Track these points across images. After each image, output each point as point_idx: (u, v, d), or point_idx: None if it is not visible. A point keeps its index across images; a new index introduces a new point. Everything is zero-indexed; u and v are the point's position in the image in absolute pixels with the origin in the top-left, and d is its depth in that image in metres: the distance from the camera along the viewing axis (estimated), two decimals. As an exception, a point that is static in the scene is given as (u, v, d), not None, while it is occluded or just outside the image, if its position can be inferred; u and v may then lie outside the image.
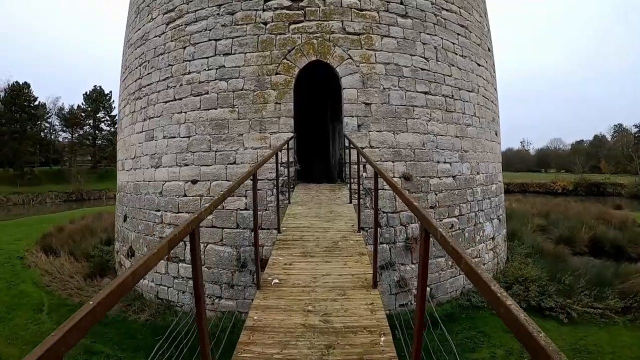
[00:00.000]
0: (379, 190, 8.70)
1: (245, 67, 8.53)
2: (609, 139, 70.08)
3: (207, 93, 8.90)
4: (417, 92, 8.88)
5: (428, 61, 9.23)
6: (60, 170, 51.62)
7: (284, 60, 8.35)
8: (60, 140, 59.12)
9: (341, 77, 8.28)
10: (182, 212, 9.30)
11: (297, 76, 8.31)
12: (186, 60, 9.40)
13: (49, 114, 57.22)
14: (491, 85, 11.79)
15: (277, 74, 8.30)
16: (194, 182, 9.09)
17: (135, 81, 11.10)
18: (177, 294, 9.53)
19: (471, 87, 10.37)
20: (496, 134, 12.08)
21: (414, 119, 8.75)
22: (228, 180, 8.54)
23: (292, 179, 8.23)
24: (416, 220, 8.65)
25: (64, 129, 58.35)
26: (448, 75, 9.63)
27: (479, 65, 10.92)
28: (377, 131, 8.33)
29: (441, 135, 9.26)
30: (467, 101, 10.12)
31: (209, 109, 8.84)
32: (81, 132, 58.07)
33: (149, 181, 10.20)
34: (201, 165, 8.96)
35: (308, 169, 12.33)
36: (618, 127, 69.57)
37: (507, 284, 10.11)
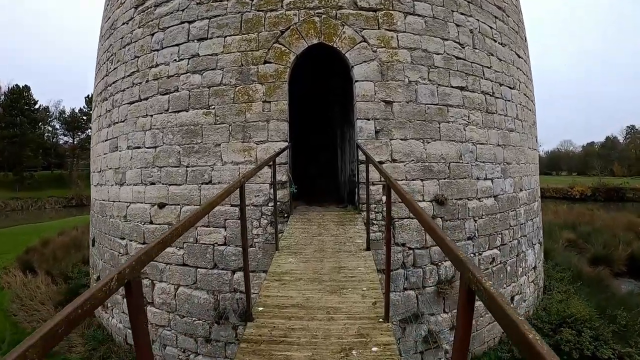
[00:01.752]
0: (404, 220, 6.30)
1: (224, 55, 6.15)
2: (621, 141, 66.45)
3: (177, 90, 6.54)
4: (452, 87, 6.44)
5: (463, 48, 6.80)
6: (60, 175, 48.94)
7: (276, 45, 5.95)
8: (62, 143, 56.76)
9: (353, 66, 5.86)
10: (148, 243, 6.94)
11: (293, 65, 5.90)
12: (154, 50, 7.04)
13: (51, 118, 55.01)
14: (530, 82, 9.32)
15: (266, 62, 5.91)
16: (161, 206, 6.71)
17: (102, 79, 8.78)
18: (147, 342, 7.11)
19: (512, 83, 7.92)
20: (536, 140, 9.62)
21: (448, 122, 6.31)
22: (200, 204, 6.17)
23: (285, 205, 5.82)
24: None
25: (66, 132, 55.96)
26: (487, 67, 7.20)
27: (518, 56, 8.47)
28: (401, 139, 5.90)
29: (481, 143, 6.82)
30: (508, 100, 7.67)
31: (178, 111, 6.47)
32: (83, 136, 55.51)
33: (114, 201, 7.87)
34: (169, 185, 6.58)
35: (311, 183, 9.97)
36: (630, 128, 66.11)
37: (552, 325, 7.74)
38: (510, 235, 7.61)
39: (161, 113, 6.71)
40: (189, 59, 6.47)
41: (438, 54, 6.39)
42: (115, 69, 8.08)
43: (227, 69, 6.06)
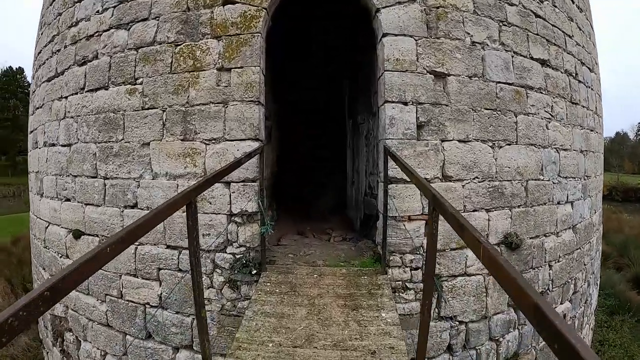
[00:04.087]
0: (457, 279, 3.36)
1: (162, -4, 3.33)
2: (631, 137, 60.84)
3: (96, 57, 3.71)
4: (532, 58, 3.60)
5: (542, 2, 3.95)
6: (55, 159, 44.96)
7: (245, -25, 3.11)
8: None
9: (379, 10, 2.98)
10: (68, 284, 4.20)
11: (273, 7, 3.08)
12: (76, 2, 4.21)
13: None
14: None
15: (226, 2, 3.07)
16: (77, 235, 3.93)
17: (34, 53, 6.00)
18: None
19: (591, 64, 5.07)
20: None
21: (527, 114, 3.49)
22: (126, 241, 3.43)
23: (256, 252, 2.98)
24: (516, 325, 3.55)
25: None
26: (569, 36, 4.34)
27: (592, 30, 5.63)
28: (459, 140, 3.06)
29: (565, 149, 3.99)
30: (589, 87, 4.83)
31: (96, 89, 3.65)
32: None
33: (36, 216, 5.14)
34: (85, 204, 3.79)
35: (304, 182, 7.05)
36: (643, 126, 61.17)
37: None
38: (583, 278, 4.85)
39: (76, 93, 3.90)
40: (114, 7, 3.62)
41: (512, 4, 3.52)
42: (41, 34, 5.28)
43: (164, 18, 3.22)
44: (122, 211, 3.43)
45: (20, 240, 12.64)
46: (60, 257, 4.31)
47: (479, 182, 3.13)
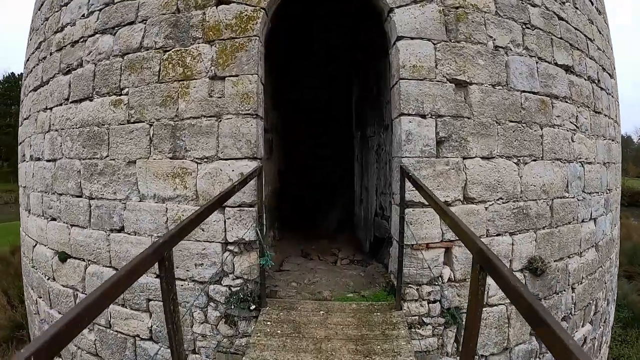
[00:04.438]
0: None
1: (150, -2, 2.96)
2: (635, 141, 59.05)
3: (81, 65, 3.33)
4: (557, 64, 3.23)
5: (564, 4, 3.57)
6: (58, 166, 43.97)
7: (241, -27, 2.75)
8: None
9: (392, 10, 2.57)
10: (54, 309, 3.86)
11: (273, 8, 2.70)
12: (62, 5, 3.85)
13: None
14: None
15: (220, 2, 2.70)
16: (63, 258, 3.54)
17: (24, 60, 5.65)
18: None
19: (611, 69, 4.69)
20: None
21: (553, 126, 3.10)
22: (111, 266, 3.03)
23: (254, 284, 2.60)
24: (537, 355, 3.20)
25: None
26: (590, 39, 3.97)
27: (609, 33, 5.25)
28: (483, 157, 2.68)
29: (589, 162, 3.61)
30: (610, 94, 4.45)
31: (80, 100, 3.27)
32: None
33: (25, 234, 4.79)
34: (71, 225, 3.41)
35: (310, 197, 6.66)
36: (646, 129, 59.38)
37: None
38: (603, 297, 4.46)
39: (61, 104, 3.53)
40: (99, 10, 3.25)
41: (535, 5, 3.15)
42: (30, 41, 4.94)
43: (152, 21, 2.84)
44: (109, 235, 3.05)
45: (19, 250, 12.15)
46: (48, 279, 3.94)
47: (503, 203, 2.74)
